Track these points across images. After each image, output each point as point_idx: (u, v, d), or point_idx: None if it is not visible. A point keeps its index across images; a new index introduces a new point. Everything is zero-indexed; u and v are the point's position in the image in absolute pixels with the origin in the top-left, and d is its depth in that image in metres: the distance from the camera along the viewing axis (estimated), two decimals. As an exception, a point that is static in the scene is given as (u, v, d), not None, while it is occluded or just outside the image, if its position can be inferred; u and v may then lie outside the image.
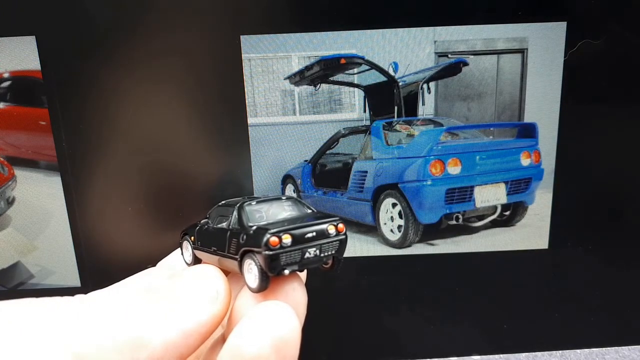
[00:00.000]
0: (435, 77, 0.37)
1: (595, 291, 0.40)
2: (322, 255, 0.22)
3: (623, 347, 0.43)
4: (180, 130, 0.36)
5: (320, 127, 0.38)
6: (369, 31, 0.35)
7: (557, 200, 0.38)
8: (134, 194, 0.37)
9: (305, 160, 0.39)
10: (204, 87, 0.36)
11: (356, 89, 0.37)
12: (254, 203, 0.24)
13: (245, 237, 0.22)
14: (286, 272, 0.21)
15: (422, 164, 0.38)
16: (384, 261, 0.40)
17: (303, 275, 0.26)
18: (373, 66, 0.36)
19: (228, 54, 0.35)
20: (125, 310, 0.20)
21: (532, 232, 0.39)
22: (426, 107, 0.38)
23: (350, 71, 0.37)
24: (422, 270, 0.40)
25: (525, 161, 0.38)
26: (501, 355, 0.42)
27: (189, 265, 0.28)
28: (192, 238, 0.27)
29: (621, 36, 0.35)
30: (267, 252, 0.20)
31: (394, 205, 0.39)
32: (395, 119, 0.38)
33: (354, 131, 0.38)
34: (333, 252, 0.23)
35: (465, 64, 0.36)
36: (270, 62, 0.36)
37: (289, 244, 0.21)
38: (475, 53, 0.36)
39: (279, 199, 0.25)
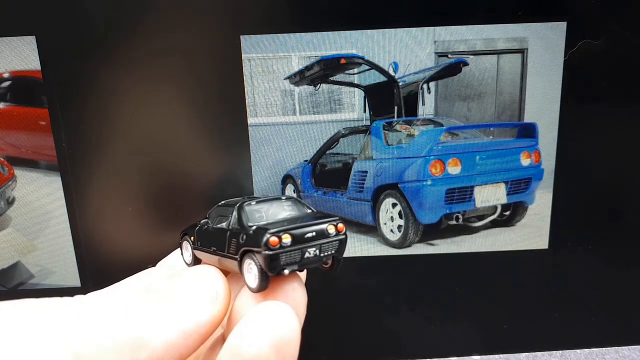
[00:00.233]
0: (435, 77, 0.37)
1: (595, 291, 0.40)
2: (321, 255, 0.22)
3: (623, 347, 0.43)
4: (180, 130, 0.36)
5: (320, 127, 0.38)
6: (369, 31, 0.35)
7: (557, 200, 0.38)
8: (134, 194, 0.37)
9: (305, 160, 0.39)
10: (204, 87, 0.36)
11: (356, 89, 0.37)
12: (253, 203, 0.24)
13: (245, 237, 0.22)
14: (286, 271, 0.21)
15: (422, 164, 0.38)
16: (384, 261, 0.40)
17: (302, 275, 0.26)
18: (373, 66, 0.36)
19: (228, 54, 0.35)
20: (125, 310, 0.20)
21: (532, 232, 0.39)
22: (426, 107, 0.38)
23: (350, 71, 0.37)
24: (422, 270, 0.40)
25: (525, 161, 0.38)
26: (501, 355, 0.42)
27: (188, 265, 0.28)
28: (192, 238, 0.27)
29: (621, 36, 0.35)
30: (267, 252, 0.20)
31: (394, 205, 0.39)
32: (395, 119, 0.38)
33: (354, 131, 0.38)
34: (333, 252, 0.23)
35: (465, 64, 0.36)
36: (270, 62, 0.36)
37: (289, 243, 0.21)
38: (475, 53, 0.36)
39: (278, 199, 0.25)
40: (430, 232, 0.39)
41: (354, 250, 0.39)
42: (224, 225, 0.24)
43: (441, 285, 0.40)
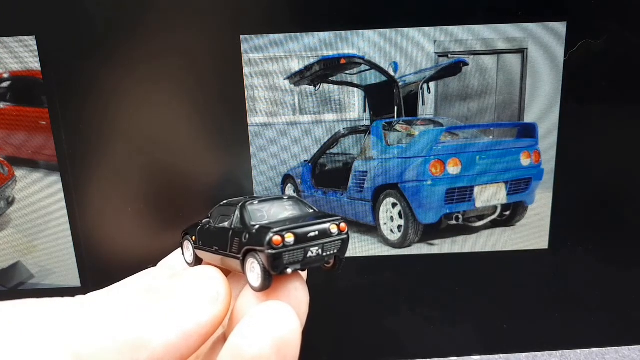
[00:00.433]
0: (435, 77, 0.37)
1: (595, 291, 0.40)
2: (324, 254, 0.22)
3: (623, 347, 0.43)
4: (180, 130, 0.36)
5: (320, 127, 0.38)
6: (369, 31, 0.35)
7: (557, 200, 0.38)
8: (134, 194, 0.37)
9: (305, 160, 0.39)
10: (204, 87, 0.36)
11: (356, 89, 0.37)
12: (256, 202, 0.24)
13: (247, 236, 0.22)
14: (289, 271, 0.21)
15: (422, 164, 0.38)
16: (384, 261, 0.40)
17: (303, 275, 0.26)
18: (373, 66, 0.36)
19: (228, 54, 0.35)
20: (126, 311, 0.20)
21: (532, 232, 0.39)
22: (426, 107, 0.38)
23: (350, 71, 0.37)
24: (422, 270, 0.40)
25: (525, 161, 0.39)
26: (501, 355, 0.42)
27: (190, 265, 0.28)
28: (194, 238, 0.27)
29: (621, 36, 0.35)
30: (270, 251, 0.20)
31: (394, 205, 0.39)
32: (395, 119, 0.38)
33: (354, 131, 0.38)
34: (335, 251, 0.23)
35: (465, 64, 0.36)
36: (270, 62, 0.36)
37: (292, 243, 0.21)
38: (475, 53, 0.36)
39: (280, 198, 0.25)
40: (430, 232, 0.39)
41: (354, 250, 0.39)
42: (226, 224, 0.24)
43: (441, 285, 0.40)
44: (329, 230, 0.22)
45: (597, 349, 0.43)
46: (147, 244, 0.38)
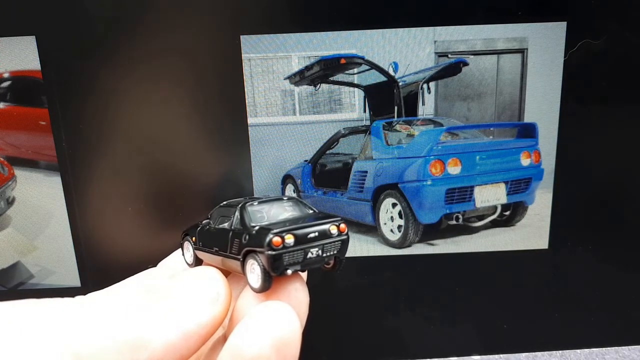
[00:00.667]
0: (435, 77, 0.37)
1: (595, 291, 0.40)
2: (324, 255, 0.22)
3: (623, 347, 0.43)
4: (180, 130, 0.36)
5: (320, 127, 0.38)
6: (369, 31, 0.35)
7: (557, 200, 0.38)
8: (134, 194, 0.37)
9: (305, 160, 0.39)
10: (204, 87, 0.36)
11: (356, 89, 0.37)
12: (255, 203, 0.24)
13: (247, 237, 0.22)
14: (289, 272, 0.21)
15: (422, 164, 0.38)
16: (384, 261, 0.40)
17: (303, 275, 0.26)
18: (373, 66, 0.36)
19: (228, 54, 0.35)
20: (125, 311, 0.20)
21: (532, 232, 0.39)
22: (426, 107, 0.38)
23: (350, 71, 0.37)
24: (422, 270, 0.40)
25: (525, 161, 0.39)
26: (501, 355, 0.42)
27: (190, 265, 0.28)
28: (194, 239, 0.27)
29: (621, 36, 0.35)
30: (270, 252, 0.20)
31: (394, 205, 0.39)
32: (395, 119, 0.38)
33: (354, 131, 0.38)
34: (335, 252, 0.23)
35: (465, 64, 0.36)
36: (270, 62, 0.36)
37: (292, 244, 0.21)
38: (475, 53, 0.36)
39: (280, 199, 0.25)
40: (430, 232, 0.39)
41: (354, 250, 0.39)
42: (226, 225, 0.24)
43: (441, 285, 0.40)
44: (329, 231, 0.22)
45: (597, 349, 0.43)
46: (147, 244, 0.38)
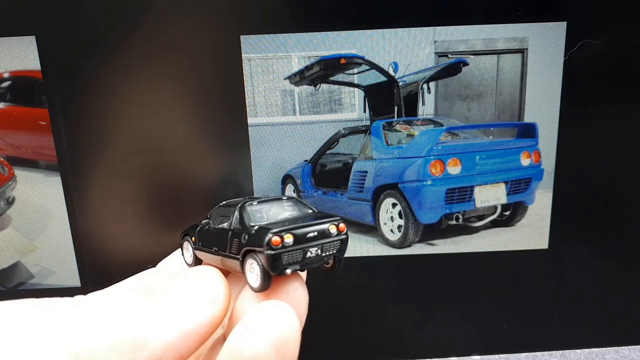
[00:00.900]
0: (435, 77, 0.37)
1: (595, 291, 0.40)
2: (323, 254, 0.22)
3: (623, 347, 0.43)
4: (181, 130, 0.36)
5: (320, 127, 0.38)
6: (369, 31, 0.35)
7: (557, 200, 0.38)
8: (133, 194, 0.37)
9: (305, 160, 0.39)
10: (204, 87, 0.36)
11: (356, 89, 0.37)
12: (255, 203, 0.24)
13: (247, 237, 0.22)
14: (288, 271, 0.21)
15: (422, 164, 0.38)
16: (384, 261, 0.40)
17: (302, 275, 0.26)
18: (373, 66, 0.36)
19: (228, 54, 0.35)
20: (125, 311, 0.20)
21: (532, 232, 0.39)
22: (426, 107, 0.38)
23: (350, 71, 0.37)
24: (422, 271, 0.40)
25: (525, 161, 0.38)
26: (501, 355, 0.42)
27: (189, 265, 0.28)
28: (193, 239, 0.27)
29: (621, 36, 0.35)
30: (269, 252, 0.20)
31: (394, 205, 0.39)
32: (395, 119, 0.38)
33: (354, 131, 0.38)
34: (334, 251, 0.23)
35: (465, 64, 0.36)
36: (270, 62, 0.36)
37: (291, 243, 0.21)
38: (475, 53, 0.36)
39: (279, 199, 0.25)
40: (430, 232, 0.39)
41: (354, 250, 0.39)
42: (225, 225, 0.24)
43: (441, 285, 0.40)
44: (328, 230, 0.22)
45: (597, 349, 0.43)
46: (147, 244, 0.38)
